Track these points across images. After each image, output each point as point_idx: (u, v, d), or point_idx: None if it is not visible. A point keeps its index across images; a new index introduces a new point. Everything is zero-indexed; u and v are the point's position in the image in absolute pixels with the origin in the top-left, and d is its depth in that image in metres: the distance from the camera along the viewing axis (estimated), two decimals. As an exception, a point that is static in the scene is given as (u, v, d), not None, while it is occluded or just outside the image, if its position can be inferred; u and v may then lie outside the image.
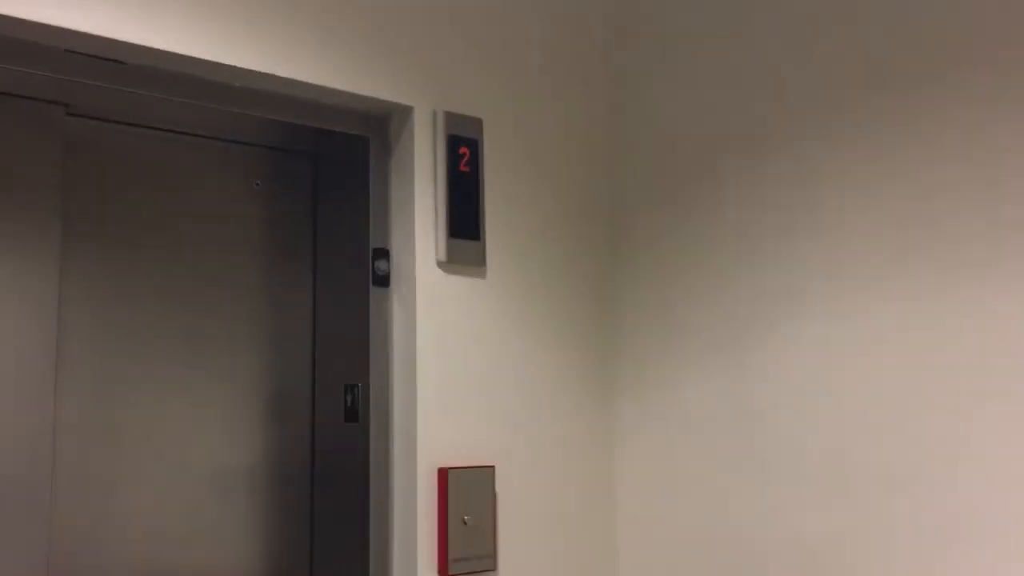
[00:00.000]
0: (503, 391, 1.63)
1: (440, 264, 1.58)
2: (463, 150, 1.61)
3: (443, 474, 1.52)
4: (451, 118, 1.60)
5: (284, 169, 1.68)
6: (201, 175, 1.59)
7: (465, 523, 1.52)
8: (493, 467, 1.58)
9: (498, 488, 1.60)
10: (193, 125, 1.57)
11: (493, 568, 1.55)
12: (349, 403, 1.59)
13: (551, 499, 1.67)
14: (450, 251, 1.58)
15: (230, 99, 1.45)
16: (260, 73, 1.40)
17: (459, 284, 1.60)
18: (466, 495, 1.53)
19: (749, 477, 1.57)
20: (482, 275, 1.63)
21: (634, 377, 1.78)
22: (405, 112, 1.58)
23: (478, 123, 1.64)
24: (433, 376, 1.54)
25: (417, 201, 1.56)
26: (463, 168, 1.61)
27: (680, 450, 1.68)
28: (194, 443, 1.52)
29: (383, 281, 1.59)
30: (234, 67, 1.38)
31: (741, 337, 1.61)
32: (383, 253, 1.59)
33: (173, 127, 1.56)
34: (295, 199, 1.69)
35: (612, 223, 1.85)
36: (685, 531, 1.66)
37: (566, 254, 1.76)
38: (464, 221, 1.60)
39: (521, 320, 1.67)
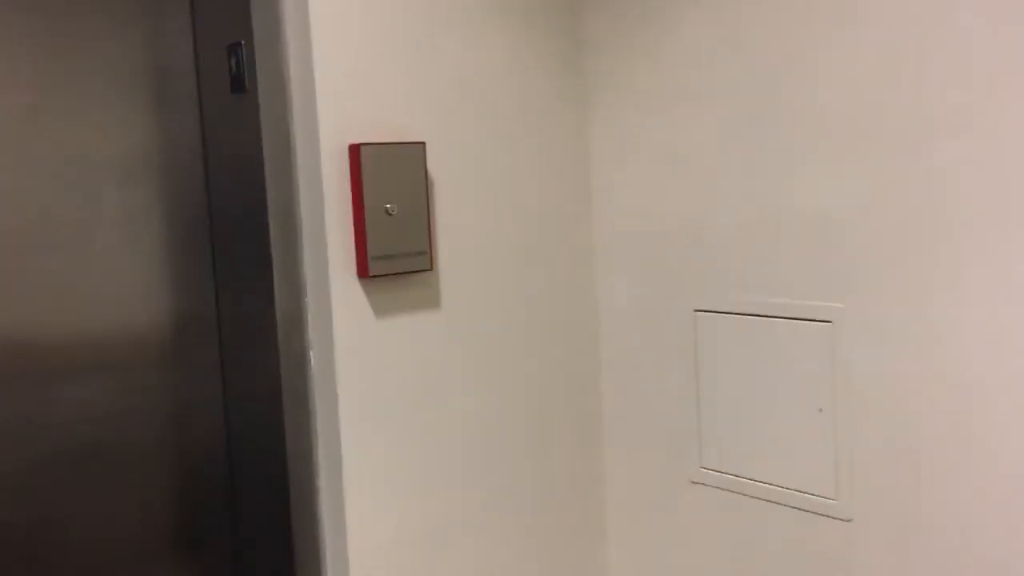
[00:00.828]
0: (436, 45, 1.26)
1: None
2: None
3: (355, 151, 1.18)
4: None
5: None
6: None
7: (389, 213, 1.21)
8: (423, 144, 1.24)
9: (434, 171, 1.27)
10: None
11: (428, 267, 1.25)
12: (234, 68, 1.24)
13: (506, 182, 1.34)
14: None
15: None
16: None
17: (365, -99, 1.18)
18: (388, 179, 1.21)
19: (752, 144, 1.22)
20: None
21: (610, 19, 1.39)
22: None
23: None
24: (337, 26, 1.17)
25: None
26: None
27: (667, 115, 1.33)
28: (55, 128, 1.19)
29: (261, -101, 1.18)
30: None
31: (747, -40, 1.21)
32: None
33: None
34: None
35: None
36: (678, 214, 1.34)
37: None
38: None
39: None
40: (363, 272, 1.20)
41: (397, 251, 1.22)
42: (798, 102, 1.17)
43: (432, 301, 1.27)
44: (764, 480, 1.26)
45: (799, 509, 1.22)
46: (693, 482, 1.35)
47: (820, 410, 1.18)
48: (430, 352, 1.27)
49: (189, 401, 1.30)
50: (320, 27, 1.16)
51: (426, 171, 1.24)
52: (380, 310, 1.22)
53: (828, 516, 1.19)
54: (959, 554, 1.08)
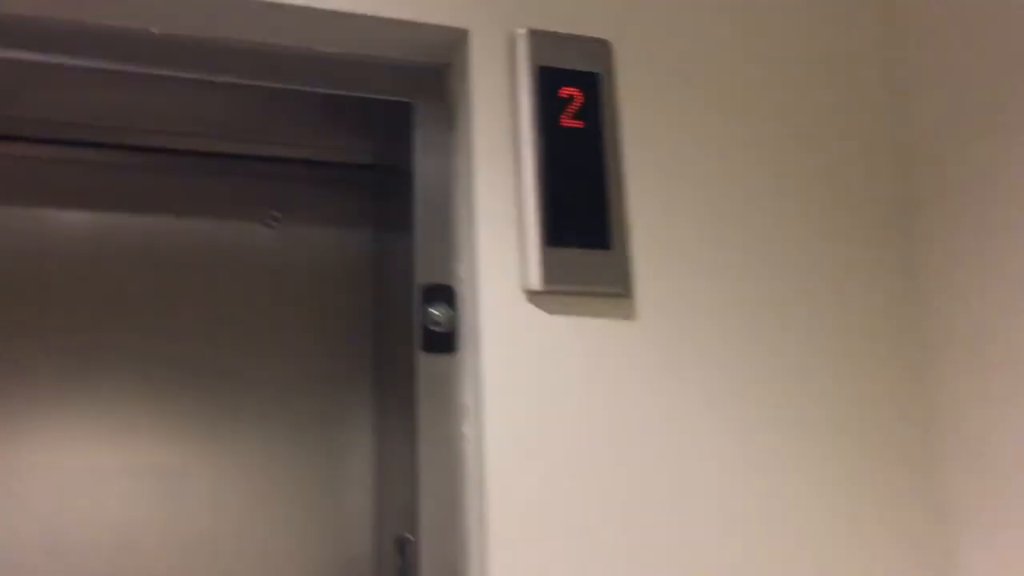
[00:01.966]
0: (691, 538, 0.81)
1: (533, 298, 0.83)
2: (569, 91, 0.88)
3: None
4: (542, 41, 0.89)
5: (321, 193, 1.07)
6: (206, 213, 1.02)
7: None
8: None
9: None
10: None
11: None
12: (400, 568, 0.87)
13: None
14: (552, 272, 0.83)
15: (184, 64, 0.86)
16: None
17: (578, 334, 0.84)
18: None
19: None
20: (625, 313, 0.86)
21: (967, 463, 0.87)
22: (458, 41, 0.90)
23: (601, 47, 0.91)
24: (521, 523, 0.78)
25: (478, 186, 0.85)
26: (568, 122, 0.87)
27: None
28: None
29: (442, 344, 0.87)
30: None
31: None
32: (440, 292, 0.88)
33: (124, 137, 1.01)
34: (340, 237, 1.06)
35: (897, 195, 0.99)
36: None
37: (803, 260, 0.93)
38: (576, 216, 0.85)
39: (711, 399, 0.86)
40: None
41: None
42: None
43: None
44: None
45: None
46: None
47: None
48: None
49: None
50: (499, 528, 0.77)
51: None
52: None
53: None
54: None
